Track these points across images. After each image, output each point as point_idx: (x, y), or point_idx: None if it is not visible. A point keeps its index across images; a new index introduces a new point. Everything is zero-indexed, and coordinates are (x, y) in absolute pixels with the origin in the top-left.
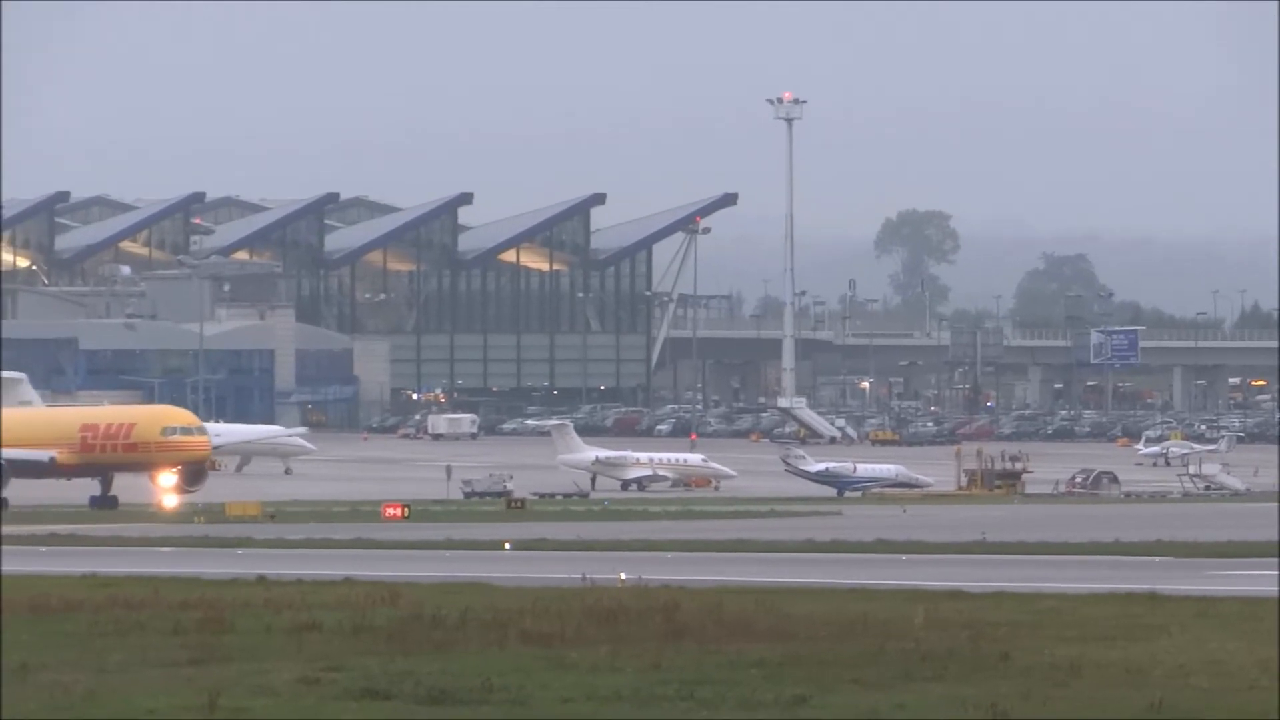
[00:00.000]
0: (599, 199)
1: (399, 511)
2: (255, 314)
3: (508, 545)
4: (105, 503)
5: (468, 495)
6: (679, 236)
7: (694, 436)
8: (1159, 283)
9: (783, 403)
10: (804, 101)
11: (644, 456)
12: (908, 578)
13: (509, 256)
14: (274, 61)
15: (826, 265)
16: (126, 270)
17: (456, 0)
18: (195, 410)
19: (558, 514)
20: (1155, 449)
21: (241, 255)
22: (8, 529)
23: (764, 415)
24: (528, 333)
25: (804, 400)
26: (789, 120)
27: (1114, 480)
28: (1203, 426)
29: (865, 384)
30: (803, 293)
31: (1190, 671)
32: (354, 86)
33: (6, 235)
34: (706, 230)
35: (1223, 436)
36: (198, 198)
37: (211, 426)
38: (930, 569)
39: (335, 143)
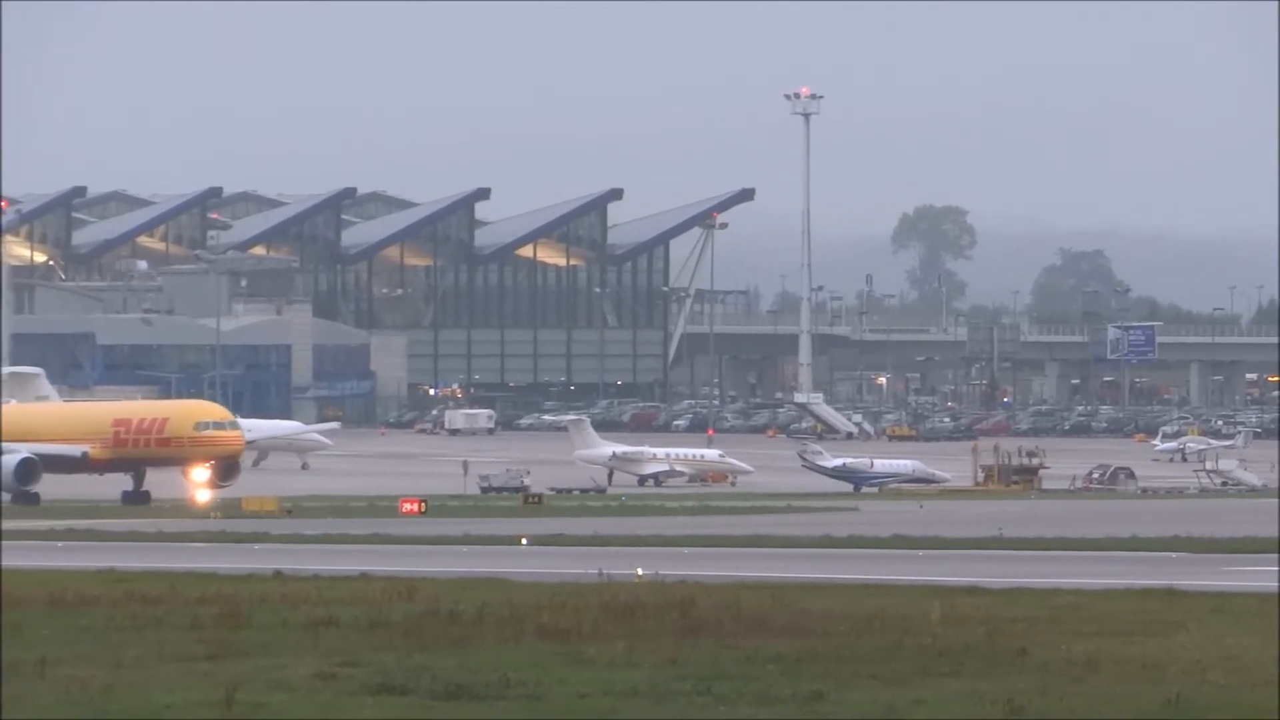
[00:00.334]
0: (616, 194)
1: (416, 506)
2: (272, 309)
3: (524, 540)
4: (137, 498)
5: (485, 490)
6: (696, 232)
7: (711, 432)
8: (1176, 278)
9: (799, 398)
10: (821, 97)
11: (661, 452)
12: (925, 573)
13: (526, 252)
14: (293, 57)
15: (843, 261)
16: (143, 265)
17: (475, 0)
18: None
19: (575, 509)
20: (1172, 445)
21: (258, 250)
22: (26, 524)
23: (781, 411)
24: (545, 328)
25: (821, 396)
26: (806, 115)
27: (1131, 476)
28: (1219, 422)
29: (882, 379)
30: (820, 288)
31: (1207, 667)
32: (372, 83)
33: (24, 230)
34: (724, 225)
35: (1239, 432)
36: (215, 193)
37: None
38: (947, 564)
39: (353, 138)
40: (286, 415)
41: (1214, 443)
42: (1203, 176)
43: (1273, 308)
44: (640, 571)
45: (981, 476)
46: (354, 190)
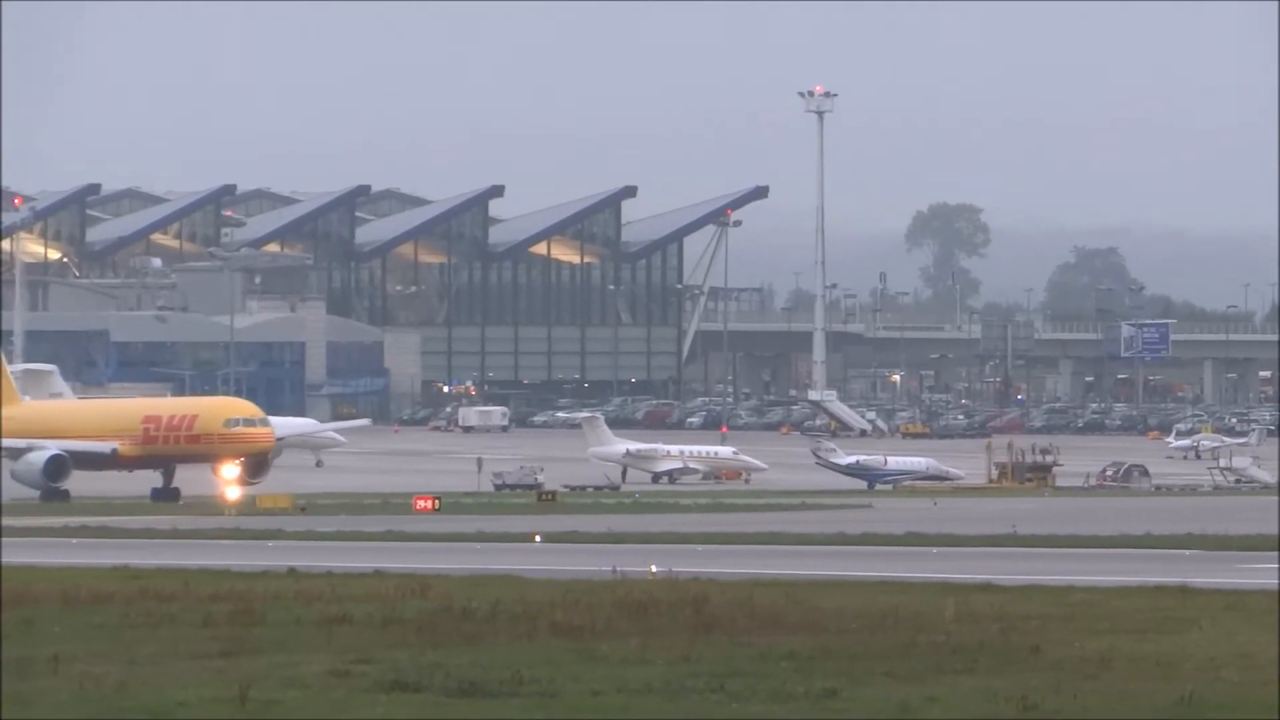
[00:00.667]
0: (630, 191)
1: (430, 504)
2: (286, 306)
3: (538, 538)
4: (167, 495)
5: (498, 488)
6: (710, 229)
7: (725, 429)
8: (1190, 276)
9: (813, 396)
10: (835, 95)
11: (675, 449)
12: (938, 570)
13: (540, 249)
14: (306, 55)
15: (857, 258)
16: (157, 262)
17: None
18: None
19: (588, 506)
20: (1186, 442)
21: (272, 247)
22: (40, 520)
23: (795, 408)
24: (558, 325)
25: (835, 393)
26: (820, 113)
27: (1144, 473)
28: (1233, 420)
29: (896, 377)
30: (834, 285)
31: (1220, 664)
32: (387, 80)
33: (38, 227)
34: (738, 223)
35: (1253, 430)
36: (229, 190)
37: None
38: (961, 562)
39: (365, 135)
40: (300, 412)
41: (1228, 440)
42: (1217, 174)
43: None
44: (654, 569)
45: (995, 474)
46: (368, 187)
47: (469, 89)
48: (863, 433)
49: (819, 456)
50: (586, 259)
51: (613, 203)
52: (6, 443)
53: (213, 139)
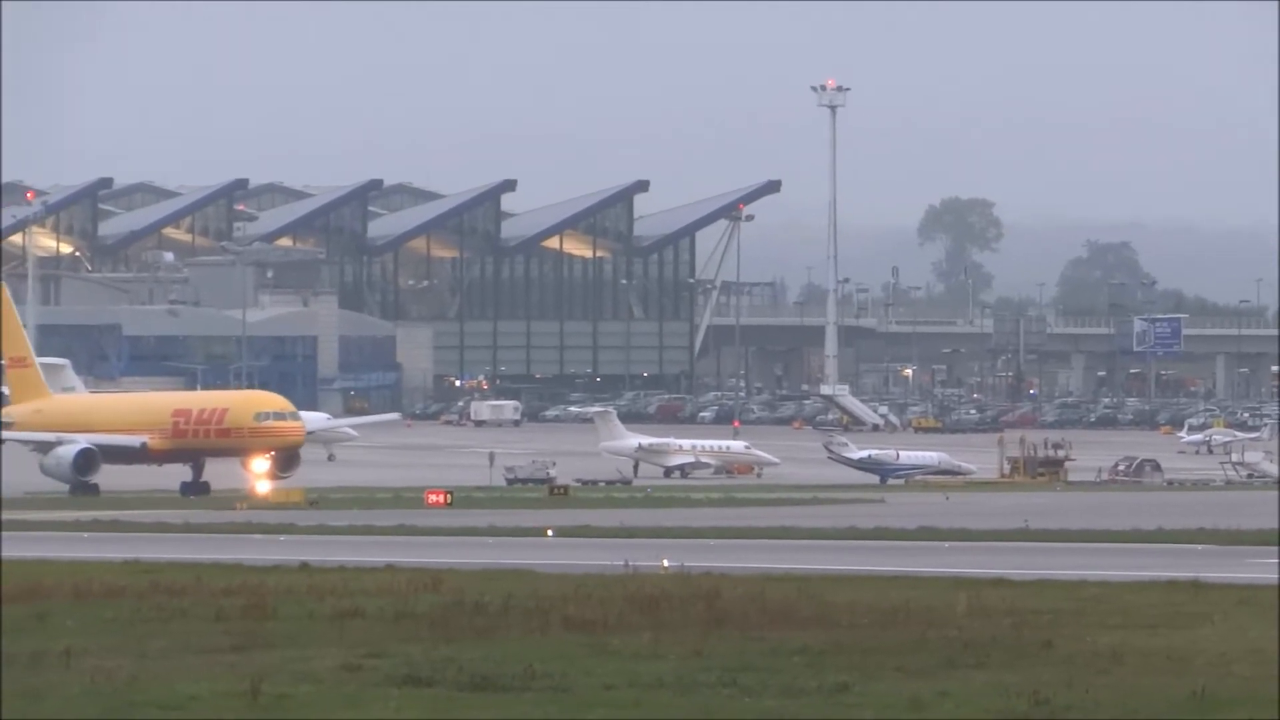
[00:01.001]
0: (642, 186)
1: (442, 498)
2: (298, 300)
3: (550, 532)
4: (197, 489)
5: (510, 482)
6: (722, 223)
7: (737, 424)
8: (1202, 271)
9: (826, 390)
10: (848, 89)
11: (687, 444)
12: (951, 565)
13: (552, 243)
14: (318, 51)
15: (870, 253)
16: (170, 257)
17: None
18: None
19: (600, 501)
20: (1198, 437)
21: (284, 242)
22: (52, 514)
23: (807, 402)
24: (571, 319)
25: (847, 387)
26: (832, 108)
27: (1157, 468)
28: (1246, 414)
29: (908, 371)
30: (846, 280)
31: (1232, 659)
32: (399, 75)
33: (50, 221)
34: (750, 217)
35: (1266, 424)
36: (241, 184)
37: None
38: (973, 556)
39: (376, 131)
40: (313, 407)
41: (1240, 435)
42: (1229, 169)
43: None
44: (666, 563)
45: (1007, 468)
46: (380, 182)
47: (475, 87)
48: (875, 427)
49: (831, 451)
50: (599, 253)
51: (625, 197)
52: (36, 436)
53: (224, 133)
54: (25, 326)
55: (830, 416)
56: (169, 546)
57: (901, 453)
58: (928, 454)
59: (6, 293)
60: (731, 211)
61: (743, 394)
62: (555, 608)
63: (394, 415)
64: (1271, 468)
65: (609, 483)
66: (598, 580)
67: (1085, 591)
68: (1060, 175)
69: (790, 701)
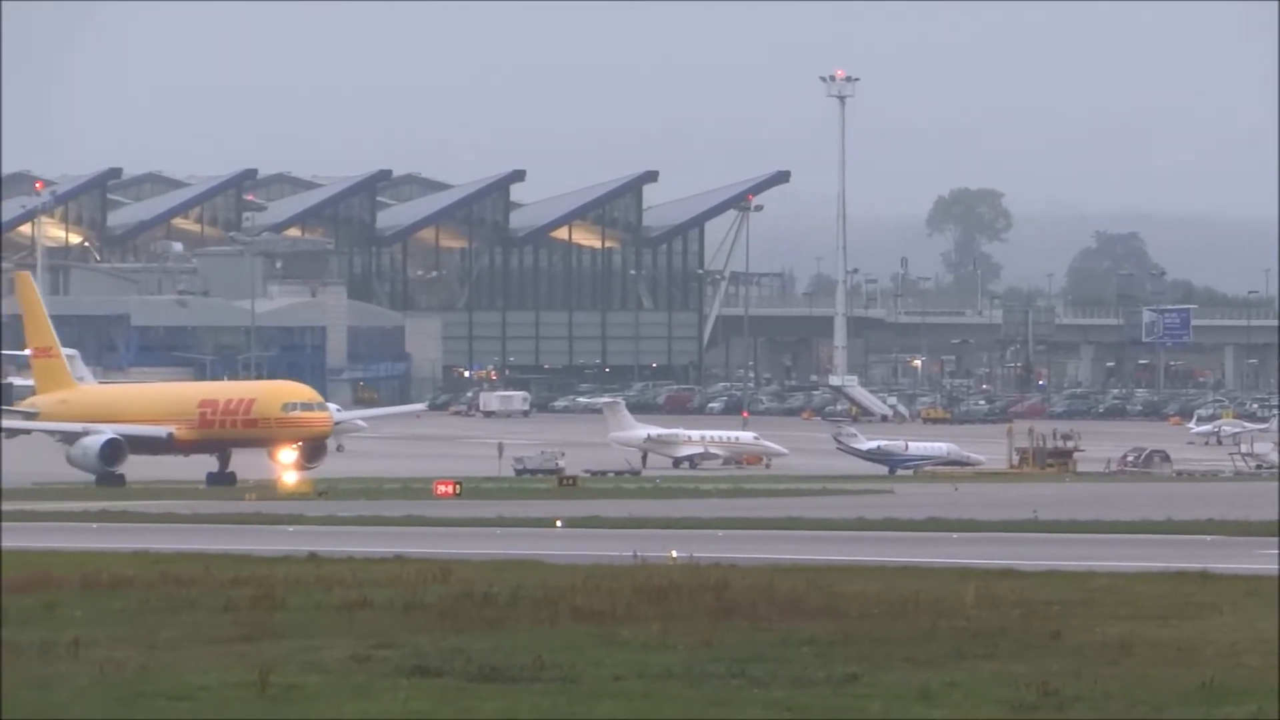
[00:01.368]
0: (651, 176)
1: (451, 489)
2: (307, 291)
3: (559, 523)
4: (223, 479)
5: (519, 473)
6: (731, 214)
7: (746, 414)
8: (1211, 261)
9: (834, 381)
10: (857, 79)
11: (696, 434)
12: (959, 556)
13: (561, 234)
14: (328, 39)
15: (879, 243)
16: (178, 247)
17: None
18: None
19: (609, 491)
20: (1207, 428)
21: (293, 232)
22: (61, 505)
23: (816, 393)
24: (580, 310)
25: (856, 378)
26: (841, 98)
27: (1166, 459)
28: (1255, 405)
29: (917, 362)
30: (855, 270)
31: (1241, 650)
32: (408, 64)
33: (59, 212)
34: (759, 208)
35: (1275, 415)
36: (250, 174)
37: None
38: (982, 547)
39: (388, 120)
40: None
41: (1249, 426)
42: (1237, 161)
43: None
44: (675, 554)
45: (1016, 459)
46: (389, 172)
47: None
48: (884, 418)
49: (840, 441)
50: (608, 244)
51: (634, 188)
52: (63, 426)
53: (234, 124)
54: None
55: (839, 407)
56: (178, 537)
57: (910, 443)
58: (936, 445)
59: (34, 283)
60: (740, 202)
61: (751, 385)
62: (564, 598)
63: (420, 406)
64: None
65: (618, 473)
66: (607, 571)
67: (1094, 582)
68: (1069, 166)
69: (799, 692)
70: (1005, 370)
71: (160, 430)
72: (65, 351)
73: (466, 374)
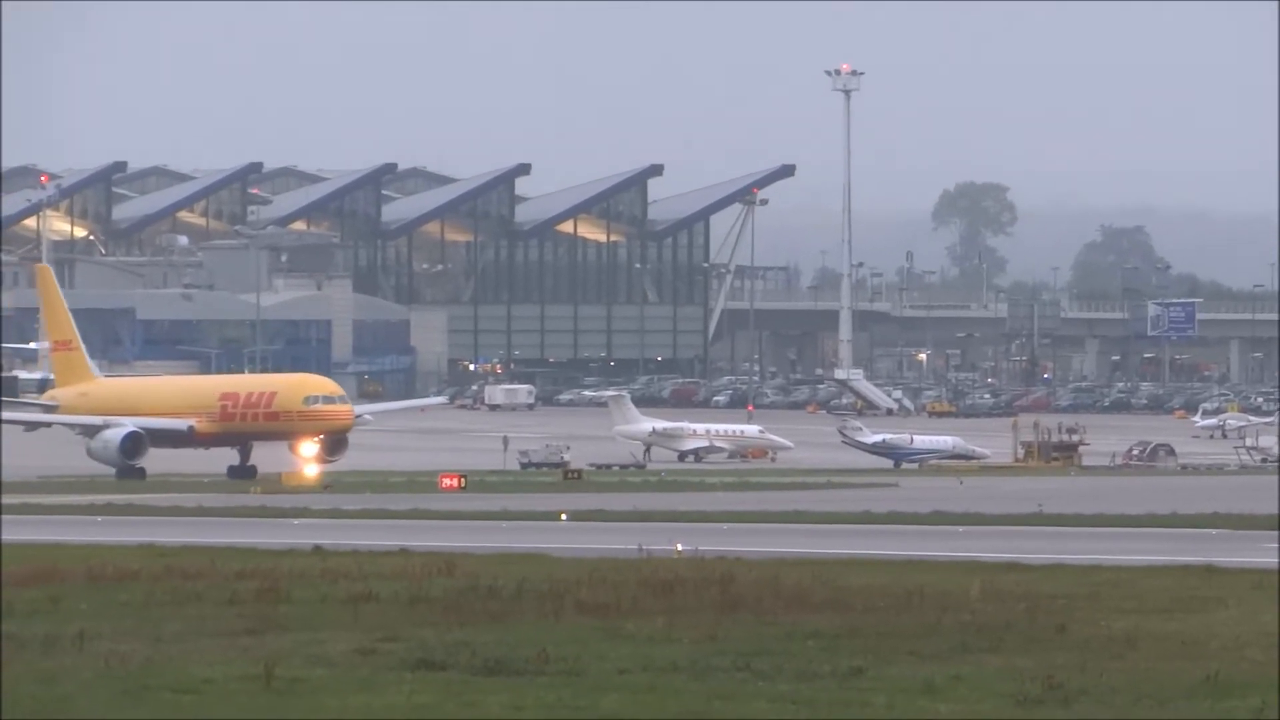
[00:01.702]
0: (656, 170)
1: (455, 482)
2: (312, 284)
3: (564, 516)
4: (243, 472)
5: (524, 466)
6: (736, 208)
7: (751, 408)
8: (1216, 255)
9: (840, 374)
10: (862, 73)
11: (701, 428)
12: (964, 549)
13: (566, 227)
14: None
15: (884, 237)
16: (184, 240)
17: None
18: None
19: (614, 485)
20: (1212, 421)
21: (299, 225)
22: (67, 499)
23: (821, 387)
24: (585, 304)
25: (861, 372)
26: (847, 92)
27: (1171, 453)
28: (1260, 399)
29: (922, 356)
30: (860, 264)
31: (1246, 644)
32: (414, 58)
33: (64, 205)
34: (764, 202)
35: (1279, 409)
36: (255, 168)
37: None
38: (987, 541)
39: (393, 113)
40: None
41: (1254, 419)
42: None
43: None
44: (680, 547)
45: (1021, 453)
46: (394, 166)
47: (489, 71)
48: (889, 411)
49: (845, 435)
50: (613, 237)
51: (639, 181)
52: (83, 420)
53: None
54: (39, 310)
55: (844, 401)
56: (183, 530)
57: (915, 437)
58: (942, 438)
59: (52, 277)
60: (746, 196)
61: (757, 378)
62: (569, 592)
63: (441, 399)
64: None
65: (623, 466)
66: (612, 564)
67: (1099, 576)
68: (1074, 160)
69: (804, 685)
70: (1010, 364)
71: (181, 423)
72: None
73: (471, 367)
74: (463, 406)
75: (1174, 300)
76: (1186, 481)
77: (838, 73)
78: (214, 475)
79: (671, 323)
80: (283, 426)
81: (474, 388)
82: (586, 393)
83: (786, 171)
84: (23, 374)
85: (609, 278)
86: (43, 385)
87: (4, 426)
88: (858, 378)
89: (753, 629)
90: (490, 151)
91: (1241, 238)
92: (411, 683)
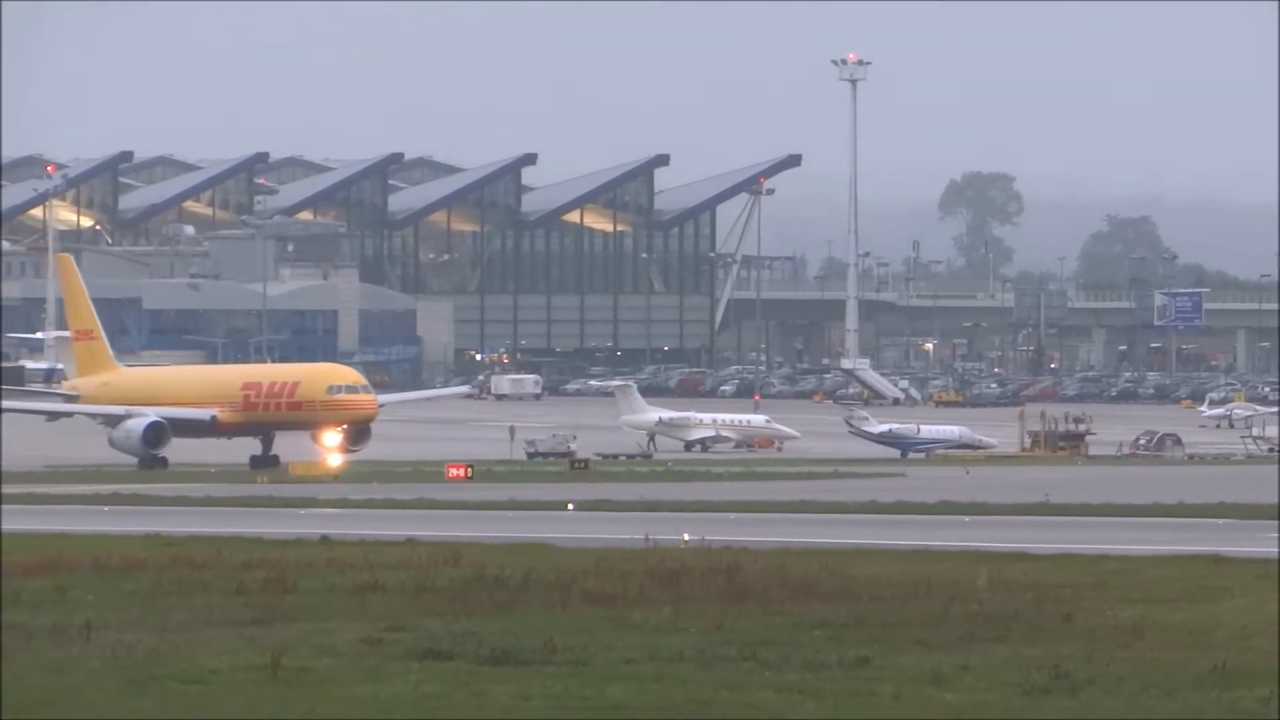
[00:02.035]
0: (663, 160)
1: (462, 472)
2: (319, 274)
3: (571, 506)
4: (266, 462)
5: (531, 456)
6: (743, 197)
7: (757, 397)
8: (1223, 245)
9: (846, 364)
10: (868, 63)
11: (707, 417)
12: (971, 539)
13: (573, 217)
14: (341, 23)
15: (890, 227)
16: (190, 230)
17: None
18: None
19: (621, 475)
20: (1219, 411)
21: (305, 215)
22: (71, 488)
23: (827, 376)
24: (591, 293)
25: (867, 361)
26: (853, 81)
27: (1177, 442)
28: (1266, 389)
29: (929, 345)
30: (866, 254)
31: (1252, 633)
32: (420, 47)
33: (71, 195)
34: (770, 191)
35: None
36: (262, 158)
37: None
38: (994, 530)
39: (400, 103)
40: None
41: (1261, 409)
42: (1249, 145)
43: None
44: (686, 537)
45: (1028, 442)
46: (401, 155)
47: (495, 60)
48: (895, 401)
49: (852, 425)
50: (619, 227)
51: (645, 171)
52: (106, 409)
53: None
54: (46, 300)
55: (851, 390)
56: (190, 520)
57: (922, 427)
58: (948, 428)
59: (74, 266)
60: (752, 185)
61: (763, 368)
62: (576, 581)
63: (464, 389)
64: None
65: (630, 456)
66: (618, 554)
67: (1106, 566)
68: (1081, 150)
69: (811, 675)
70: (1017, 354)
71: (203, 413)
72: (64, 335)
73: (478, 357)
74: (469, 396)
75: (1181, 290)
76: (1193, 471)
77: (844, 62)
78: (237, 465)
79: (678, 312)
80: (306, 416)
81: (480, 377)
82: (593, 382)
83: (793, 161)
84: (29, 364)
85: (615, 268)
86: (49, 375)
87: (25, 416)
88: (864, 367)
89: (759, 619)
90: (496, 141)
91: (1248, 228)
92: (418, 672)
